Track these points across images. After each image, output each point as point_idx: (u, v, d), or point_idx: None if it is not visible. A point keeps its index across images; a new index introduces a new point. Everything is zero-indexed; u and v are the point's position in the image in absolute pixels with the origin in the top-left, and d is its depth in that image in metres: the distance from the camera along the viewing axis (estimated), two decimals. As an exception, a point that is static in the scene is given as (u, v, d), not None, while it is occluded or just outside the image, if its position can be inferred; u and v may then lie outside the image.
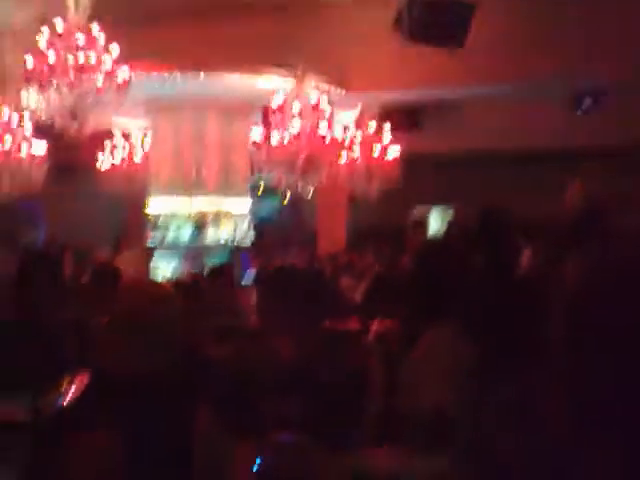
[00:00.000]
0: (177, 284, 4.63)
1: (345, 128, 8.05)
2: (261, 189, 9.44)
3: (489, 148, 10.72)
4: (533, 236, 5.63)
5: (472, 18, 5.99)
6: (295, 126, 7.14)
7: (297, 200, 10.01)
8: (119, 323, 1.96)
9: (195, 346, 2.92)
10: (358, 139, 8.62)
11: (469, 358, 2.53)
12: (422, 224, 12.55)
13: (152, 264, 8.10)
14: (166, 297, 2.05)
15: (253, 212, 8.71)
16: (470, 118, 9.50)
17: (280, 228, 12.07)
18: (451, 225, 10.45)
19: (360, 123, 8.56)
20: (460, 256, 3.42)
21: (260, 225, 10.22)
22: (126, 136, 8.78)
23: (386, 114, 8.60)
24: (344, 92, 7.49)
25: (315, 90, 7.10)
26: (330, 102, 7.18)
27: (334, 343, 2.79)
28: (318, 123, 7.32)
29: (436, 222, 12.92)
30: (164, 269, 7.97)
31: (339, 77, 7.36)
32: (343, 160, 8.46)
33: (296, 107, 7.00)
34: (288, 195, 9.18)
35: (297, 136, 7.27)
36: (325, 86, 7.21)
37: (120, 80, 5.82)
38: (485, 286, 3.07)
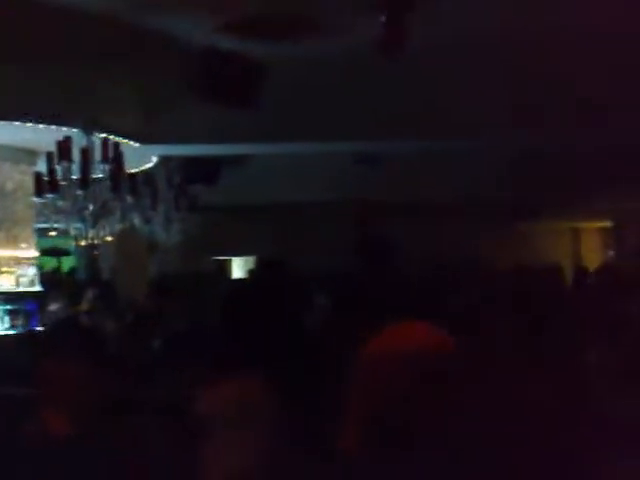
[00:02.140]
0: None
1: (138, 178, 7.91)
2: (49, 238, 8.97)
3: (285, 200, 11.11)
4: (329, 287, 5.78)
5: (263, 80, 6.12)
6: (83, 175, 6.87)
7: (91, 247, 9.62)
8: None
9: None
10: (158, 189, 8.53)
11: (268, 412, 2.47)
12: (223, 272, 12.64)
13: None
14: None
15: (40, 260, 8.22)
16: (266, 172, 9.77)
17: (72, 276, 11.49)
18: (251, 274, 10.61)
19: (156, 174, 8.48)
20: (259, 305, 3.42)
21: (49, 274, 9.65)
22: None
23: (184, 167, 8.60)
24: (137, 144, 7.37)
25: (105, 140, 6.90)
26: (121, 153, 7.01)
27: (127, 410, 2.47)
28: (110, 173, 7.11)
29: (237, 271, 13.09)
30: None
31: (132, 129, 7.22)
32: (142, 209, 8.31)
33: (83, 156, 6.75)
34: (80, 243, 8.80)
35: (85, 184, 6.99)
36: (116, 137, 7.04)
37: None
38: (277, 337, 3.10)
